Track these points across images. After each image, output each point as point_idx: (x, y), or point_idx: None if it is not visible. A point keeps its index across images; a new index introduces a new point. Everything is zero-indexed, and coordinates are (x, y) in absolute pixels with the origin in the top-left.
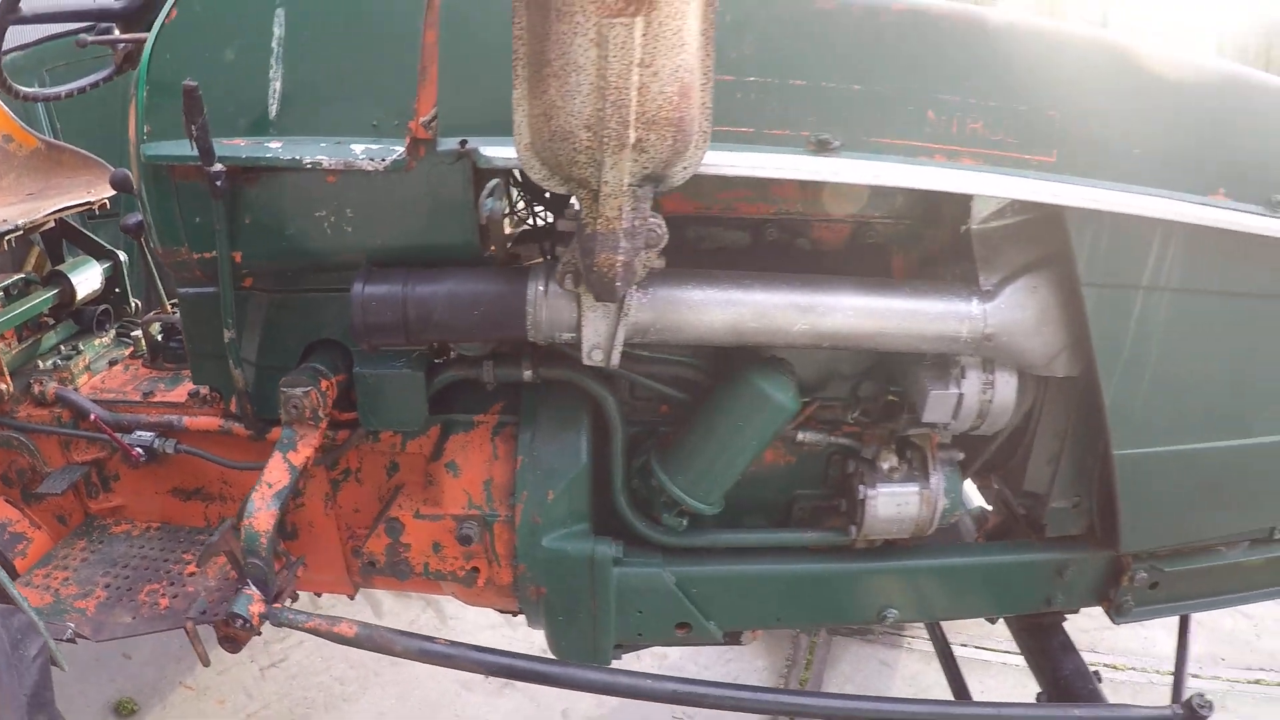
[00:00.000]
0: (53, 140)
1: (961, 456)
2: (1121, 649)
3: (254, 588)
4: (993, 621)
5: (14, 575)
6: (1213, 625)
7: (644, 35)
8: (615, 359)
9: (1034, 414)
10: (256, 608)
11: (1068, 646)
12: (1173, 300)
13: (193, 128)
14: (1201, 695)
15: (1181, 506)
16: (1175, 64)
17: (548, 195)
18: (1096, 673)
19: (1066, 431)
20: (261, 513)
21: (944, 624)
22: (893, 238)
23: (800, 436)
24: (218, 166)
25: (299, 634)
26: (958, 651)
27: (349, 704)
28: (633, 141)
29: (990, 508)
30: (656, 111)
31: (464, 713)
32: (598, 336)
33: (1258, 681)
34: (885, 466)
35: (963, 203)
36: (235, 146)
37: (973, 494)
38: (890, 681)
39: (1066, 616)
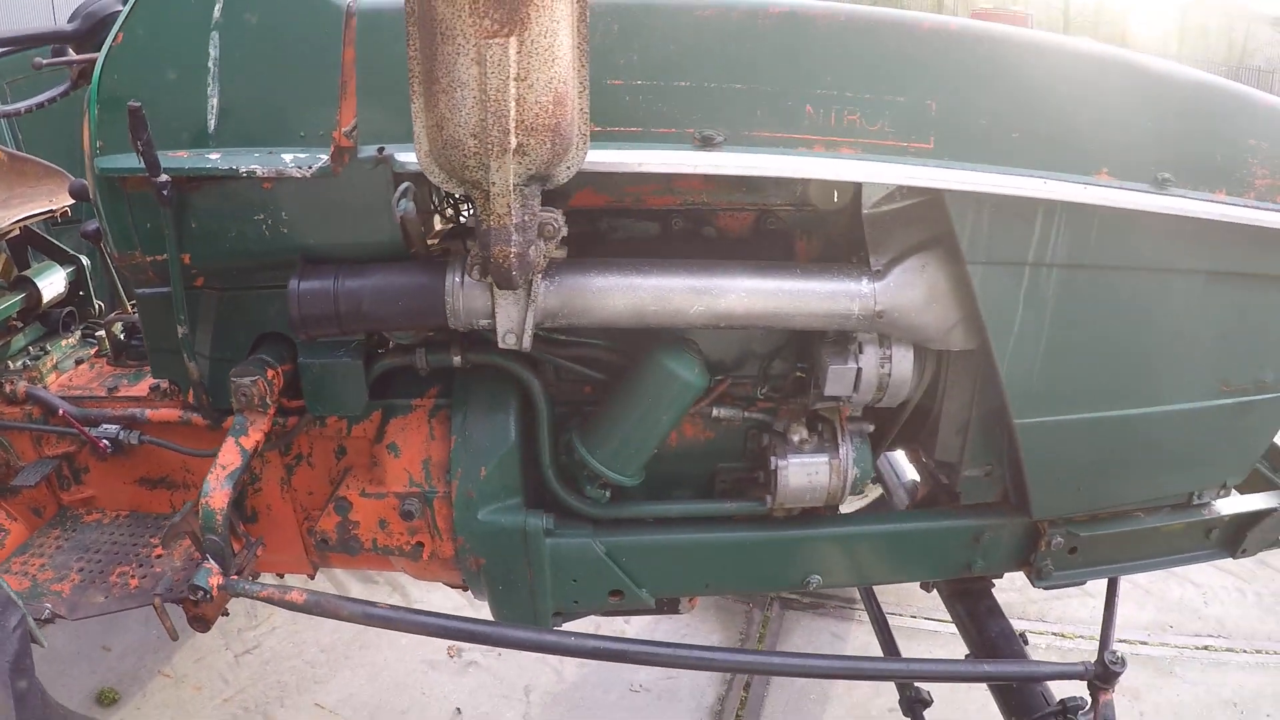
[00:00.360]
0: (15, 151)
1: (871, 428)
2: (1070, 618)
3: (213, 562)
4: (927, 590)
5: None
6: (1161, 594)
7: (518, 52)
8: (527, 342)
9: (940, 386)
10: (215, 580)
11: (994, 611)
12: (1061, 275)
13: (139, 143)
14: (1114, 652)
15: (1090, 473)
16: (1054, 50)
17: None
18: (1023, 635)
19: (972, 402)
20: (216, 492)
21: (899, 596)
22: (794, 223)
23: (716, 412)
24: (163, 177)
25: (271, 621)
26: (908, 623)
27: (320, 685)
28: (514, 147)
29: (919, 479)
30: (534, 119)
31: (430, 690)
32: (510, 322)
33: (1206, 647)
34: (796, 439)
35: (857, 190)
36: (179, 159)
37: (905, 467)
38: (841, 649)
39: (994, 582)
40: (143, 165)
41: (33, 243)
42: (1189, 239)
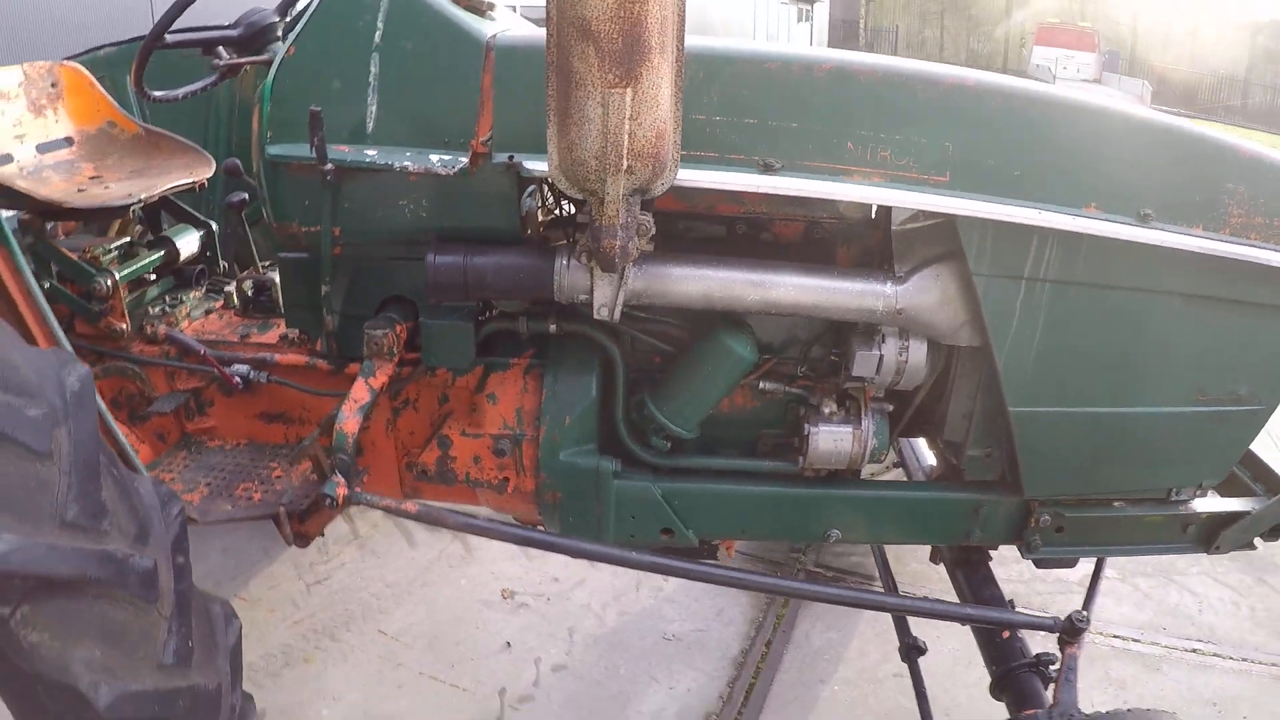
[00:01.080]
0: (152, 127)
1: (890, 408)
2: (1068, 610)
3: (340, 476)
4: (936, 561)
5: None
6: (1160, 598)
7: (632, 100)
8: (617, 315)
9: (950, 376)
10: (341, 490)
11: (989, 579)
12: (1053, 289)
13: (315, 138)
14: (1080, 611)
15: (1075, 461)
16: (1053, 103)
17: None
18: (1011, 601)
19: (977, 392)
20: (349, 419)
21: (913, 576)
22: (837, 234)
23: (762, 385)
24: (329, 166)
25: (341, 558)
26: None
27: (384, 615)
28: (625, 168)
29: (935, 464)
30: (641, 149)
31: (484, 626)
32: (604, 298)
33: (1195, 650)
34: (826, 411)
35: (888, 210)
36: (341, 152)
37: (926, 454)
38: (856, 621)
39: (991, 555)
40: (311, 154)
41: (166, 208)
42: (1168, 266)
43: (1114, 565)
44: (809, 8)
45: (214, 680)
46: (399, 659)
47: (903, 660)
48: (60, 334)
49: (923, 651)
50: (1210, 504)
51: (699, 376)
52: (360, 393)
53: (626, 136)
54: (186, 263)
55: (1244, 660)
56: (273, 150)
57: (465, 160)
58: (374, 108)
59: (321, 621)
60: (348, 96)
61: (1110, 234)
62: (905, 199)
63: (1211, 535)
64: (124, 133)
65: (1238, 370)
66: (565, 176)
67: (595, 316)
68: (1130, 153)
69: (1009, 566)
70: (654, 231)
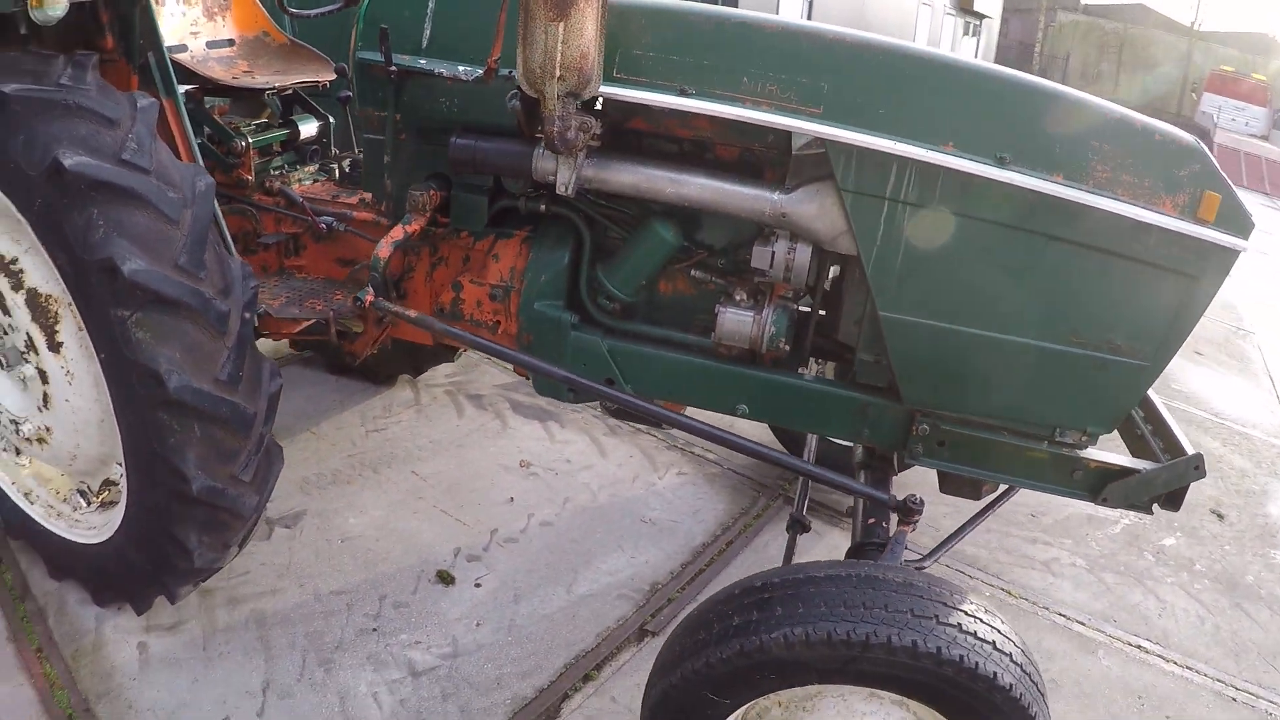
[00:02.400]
0: (295, 39)
1: (795, 306)
2: (1021, 583)
3: (370, 288)
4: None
5: None
6: (1121, 594)
7: (564, 30)
8: (573, 191)
9: (844, 284)
10: (369, 297)
11: (882, 482)
12: (913, 211)
13: (384, 47)
14: (914, 495)
15: (947, 375)
16: (917, 57)
17: None
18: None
19: (867, 300)
20: (384, 248)
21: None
22: (763, 159)
23: (694, 273)
24: (394, 68)
25: (399, 416)
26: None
27: (421, 462)
28: (558, 76)
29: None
30: (570, 64)
31: (497, 483)
32: (564, 178)
33: (1139, 647)
34: (737, 298)
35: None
36: (403, 59)
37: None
38: (815, 547)
39: (894, 467)
40: (383, 60)
41: (297, 101)
42: (1029, 207)
43: (1085, 556)
44: (977, 23)
45: (252, 408)
46: (421, 494)
47: (787, 530)
48: (199, 156)
49: (806, 529)
50: (1101, 455)
51: (635, 251)
52: (397, 233)
53: (559, 54)
54: (305, 143)
55: (1187, 669)
56: (360, 55)
57: (481, 72)
58: (428, 30)
59: (369, 458)
60: (413, 22)
61: (958, 167)
62: (780, 122)
63: (1099, 485)
64: (274, 41)
65: (1109, 319)
66: (524, 80)
67: (558, 191)
68: (995, 104)
69: (977, 535)
70: (597, 130)
